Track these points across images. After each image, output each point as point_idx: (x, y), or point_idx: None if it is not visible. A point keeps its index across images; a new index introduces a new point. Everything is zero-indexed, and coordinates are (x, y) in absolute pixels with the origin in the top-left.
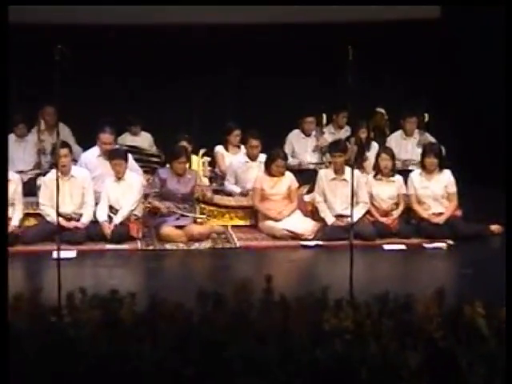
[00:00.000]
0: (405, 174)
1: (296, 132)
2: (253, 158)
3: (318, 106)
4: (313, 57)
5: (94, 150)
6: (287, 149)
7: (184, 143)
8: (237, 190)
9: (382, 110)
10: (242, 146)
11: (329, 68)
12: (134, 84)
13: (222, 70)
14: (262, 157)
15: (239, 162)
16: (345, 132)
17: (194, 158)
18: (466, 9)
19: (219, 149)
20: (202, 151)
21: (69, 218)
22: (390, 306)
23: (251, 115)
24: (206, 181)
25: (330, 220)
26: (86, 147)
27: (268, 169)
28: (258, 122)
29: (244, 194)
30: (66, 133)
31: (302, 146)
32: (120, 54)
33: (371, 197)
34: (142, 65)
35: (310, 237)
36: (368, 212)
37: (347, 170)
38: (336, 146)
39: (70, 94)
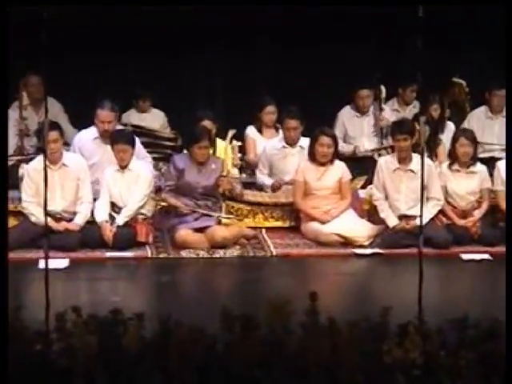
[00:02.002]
0: (489, 162)
1: (348, 109)
2: (291, 142)
3: (374, 76)
4: (370, 14)
5: (90, 132)
6: (337, 131)
7: (207, 123)
8: (268, 182)
9: (462, 81)
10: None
11: (391, 28)
12: (143, 49)
13: (255, 32)
14: (304, 141)
15: (273, 148)
16: (412, 109)
17: (219, 142)
18: None
19: (250, 131)
20: (230, 133)
21: (59, 218)
22: (471, 334)
23: (291, 88)
24: (234, 171)
25: (393, 222)
26: (82, 128)
27: (312, 153)
28: (300, 97)
29: (275, 187)
30: (56, 110)
31: (356, 127)
32: (126, 11)
33: (446, 192)
34: (153, 25)
35: (367, 243)
36: (441, 212)
37: (415, 157)
38: (400, 127)
39: (62, 60)
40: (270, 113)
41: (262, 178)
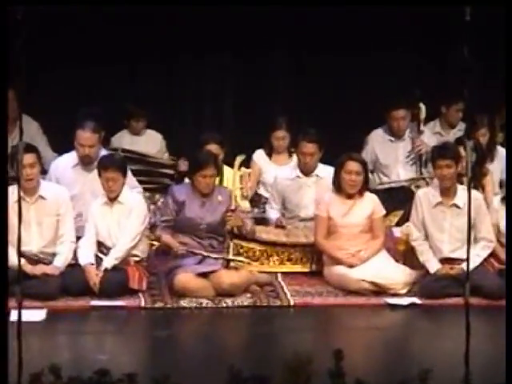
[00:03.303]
0: None
1: (380, 132)
2: (306, 170)
3: (412, 92)
4: (407, 18)
5: (69, 157)
6: (367, 157)
7: (213, 147)
8: (274, 215)
9: None
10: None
11: (433, 35)
12: (136, 59)
13: (270, 40)
14: (322, 170)
15: (286, 178)
16: (457, 132)
17: (227, 169)
18: None
19: (257, 156)
20: (238, 159)
21: (36, 260)
22: None
23: (311, 106)
24: (245, 204)
25: (434, 266)
26: (64, 153)
27: (337, 183)
28: (321, 117)
29: (279, 225)
30: (33, 130)
31: (389, 154)
32: (116, 16)
33: (498, 232)
34: (149, 31)
35: (403, 291)
36: (493, 255)
37: (460, 189)
38: (443, 152)
39: (40, 73)
40: (279, 138)
41: (269, 211)
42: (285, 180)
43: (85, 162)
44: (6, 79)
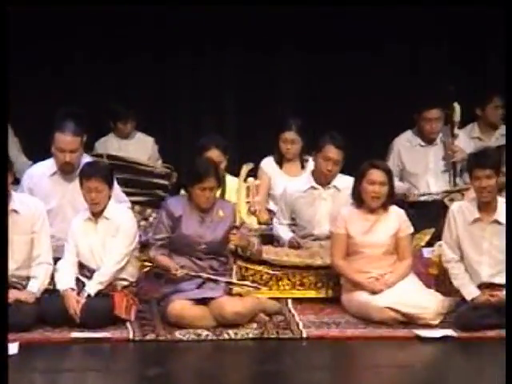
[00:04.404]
0: None
1: (408, 136)
2: (324, 180)
3: (446, 91)
4: (433, 15)
5: (46, 165)
6: (392, 164)
7: (213, 153)
8: (285, 235)
9: None
10: (311, 162)
11: (467, 29)
12: (124, 51)
13: (279, 37)
14: (341, 180)
15: (298, 189)
16: (500, 137)
17: (230, 179)
18: None
19: (266, 165)
20: (245, 168)
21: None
22: None
23: (326, 108)
24: (251, 220)
25: (471, 293)
26: (39, 160)
27: (357, 195)
28: (338, 121)
29: (294, 245)
30: None
31: (418, 161)
32: (103, 12)
33: None
34: (139, 21)
35: (435, 322)
36: None
37: (502, 203)
38: (482, 160)
39: (16, 71)
40: (287, 141)
41: (278, 228)
42: (296, 192)
43: (65, 171)
44: (6, 79)
